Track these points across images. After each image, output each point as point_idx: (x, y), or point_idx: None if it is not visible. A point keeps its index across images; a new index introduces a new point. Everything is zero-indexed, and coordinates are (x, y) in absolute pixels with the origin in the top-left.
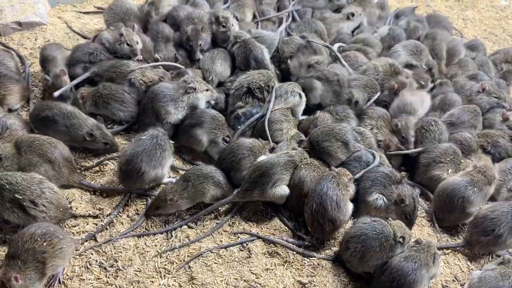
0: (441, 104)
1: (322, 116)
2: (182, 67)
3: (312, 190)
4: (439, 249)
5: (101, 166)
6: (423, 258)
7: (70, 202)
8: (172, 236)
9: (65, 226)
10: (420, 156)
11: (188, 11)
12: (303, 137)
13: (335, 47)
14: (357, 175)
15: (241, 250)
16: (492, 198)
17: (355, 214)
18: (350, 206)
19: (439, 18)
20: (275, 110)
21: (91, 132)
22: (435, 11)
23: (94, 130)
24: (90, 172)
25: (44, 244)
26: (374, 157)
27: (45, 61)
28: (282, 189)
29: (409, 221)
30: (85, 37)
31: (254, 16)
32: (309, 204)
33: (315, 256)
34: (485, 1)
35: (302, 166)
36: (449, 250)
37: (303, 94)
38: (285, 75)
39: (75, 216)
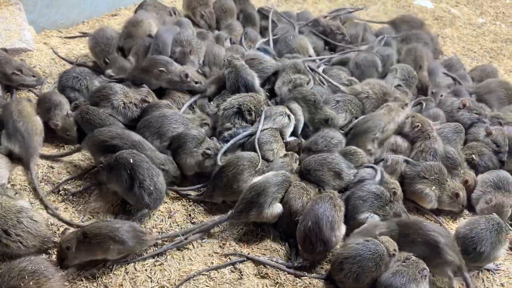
0: None
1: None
2: None
3: (308, 209)
4: None
5: (87, 193)
6: (411, 273)
7: (58, 229)
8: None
9: (55, 251)
10: (407, 169)
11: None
12: (297, 156)
13: (320, 69)
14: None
15: (232, 272)
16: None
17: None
18: (343, 229)
19: (420, 33)
20: (264, 130)
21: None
22: None
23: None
24: (77, 197)
25: (31, 283)
26: (376, 171)
27: (52, 106)
28: (278, 207)
29: None
30: (71, 63)
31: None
32: (303, 222)
33: (306, 276)
34: (463, 19)
35: (292, 184)
36: None
37: (292, 116)
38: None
39: None
